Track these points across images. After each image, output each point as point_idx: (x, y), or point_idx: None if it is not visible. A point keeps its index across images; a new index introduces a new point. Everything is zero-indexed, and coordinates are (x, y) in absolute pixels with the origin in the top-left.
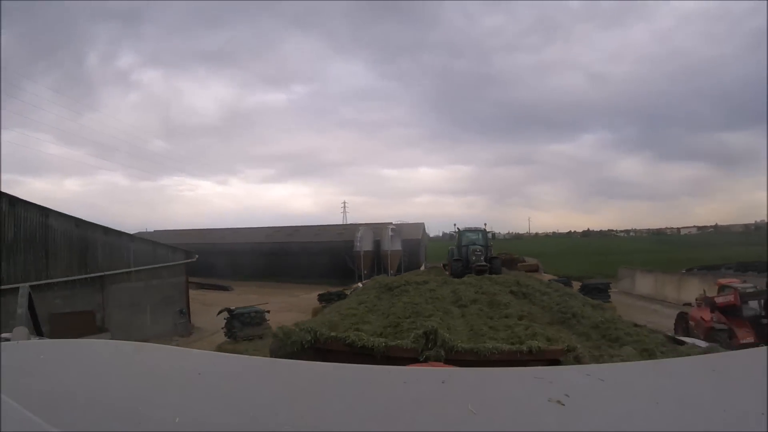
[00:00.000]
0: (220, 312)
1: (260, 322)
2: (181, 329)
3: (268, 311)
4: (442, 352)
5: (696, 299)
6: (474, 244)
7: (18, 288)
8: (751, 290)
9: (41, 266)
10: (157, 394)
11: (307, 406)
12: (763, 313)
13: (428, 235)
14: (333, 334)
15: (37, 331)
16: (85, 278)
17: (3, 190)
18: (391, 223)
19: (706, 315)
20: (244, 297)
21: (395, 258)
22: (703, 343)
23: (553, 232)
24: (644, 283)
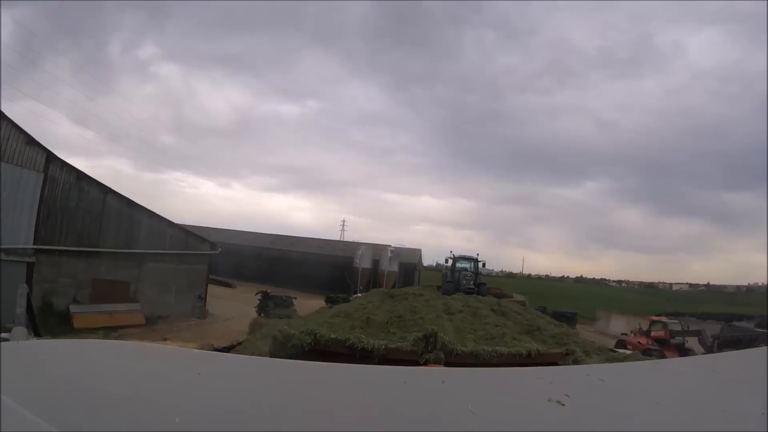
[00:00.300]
0: (257, 293)
1: (289, 305)
2: (198, 312)
3: (296, 297)
4: (442, 355)
5: (631, 331)
6: (465, 270)
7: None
8: (677, 328)
9: (94, 235)
10: (157, 394)
11: (307, 406)
12: (686, 342)
13: (422, 264)
14: (333, 336)
15: (36, 332)
16: (128, 253)
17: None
18: (390, 246)
19: (643, 340)
20: (246, 295)
21: (391, 278)
22: (628, 352)
23: (547, 275)
24: (618, 324)
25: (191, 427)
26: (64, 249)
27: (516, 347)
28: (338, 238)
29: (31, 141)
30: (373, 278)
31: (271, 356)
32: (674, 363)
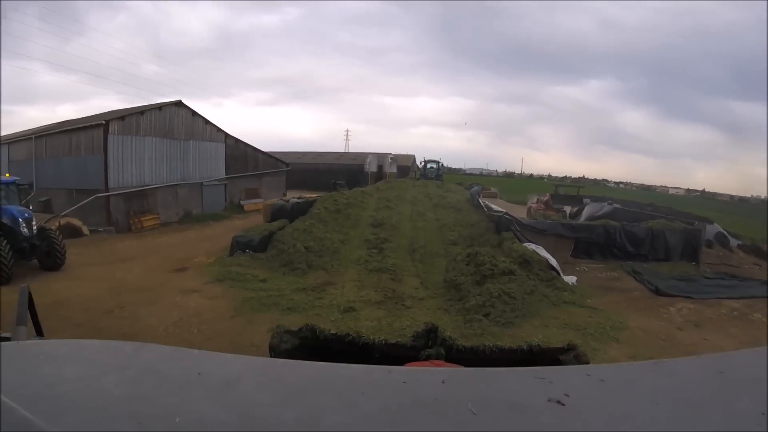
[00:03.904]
0: (333, 182)
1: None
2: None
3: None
4: (442, 351)
5: (537, 199)
6: (432, 168)
7: None
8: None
9: (243, 167)
10: (157, 394)
11: (307, 406)
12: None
13: (416, 166)
14: (333, 332)
15: (37, 331)
16: (255, 174)
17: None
18: (390, 154)
19: (538, 206)
20: (293, 194)
21: (392, 177)
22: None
23: (549, 175)
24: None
25: (191, 427)
26: (235, 176)
27: (517, 342)
28: (342, 148)
29: (218, 129)
30: (379, 178)
31: (270, 351)
32: (674, 363)
